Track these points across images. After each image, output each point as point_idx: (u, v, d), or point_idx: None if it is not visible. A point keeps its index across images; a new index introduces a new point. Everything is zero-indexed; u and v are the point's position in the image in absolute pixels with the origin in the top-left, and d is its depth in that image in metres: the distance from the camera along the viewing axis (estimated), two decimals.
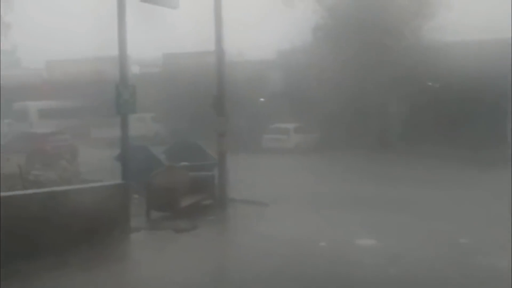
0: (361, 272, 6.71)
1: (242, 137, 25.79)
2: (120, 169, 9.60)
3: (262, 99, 30.96)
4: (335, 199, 11.78)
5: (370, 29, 23.05)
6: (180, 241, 8.47)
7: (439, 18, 22.83)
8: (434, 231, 8.71)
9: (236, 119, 25.52)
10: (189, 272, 6.87)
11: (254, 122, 26.59)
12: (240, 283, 6.58)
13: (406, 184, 13.33)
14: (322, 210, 10.58)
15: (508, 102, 20.93)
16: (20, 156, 14.49)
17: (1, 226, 7.03)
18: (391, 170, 16.59)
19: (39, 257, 7.13)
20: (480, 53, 21.17)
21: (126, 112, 9.72)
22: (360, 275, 6.62)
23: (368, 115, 24.44)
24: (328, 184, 13.98)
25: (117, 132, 10.07)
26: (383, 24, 23.32)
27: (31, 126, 26.82)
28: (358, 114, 24.34)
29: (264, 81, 28.83)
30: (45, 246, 7.50)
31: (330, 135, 24.87)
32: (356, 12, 23.33)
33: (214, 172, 11.92)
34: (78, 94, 29.64)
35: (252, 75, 27.67)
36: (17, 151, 15.99)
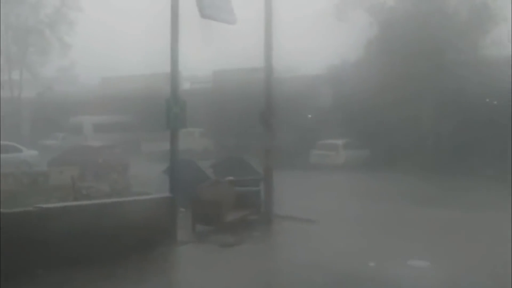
0: None
1: (290, 153, 25.78)
2: (168, 182, 9.85)
3: (309, 115, 30.88)
4: (382, 218, 11.48)
5: (427, 43, 22.51)
6: (225, 256, 8.51)
7: (498, 32, 22.03)
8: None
9: (284, 134, 25.62)
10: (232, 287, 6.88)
11: (302, 138, 26.51)
12: None
13: (454, 206, 12.76)
14: (369, 229, 10.32)
15: None
16: (73, 169, 15.13)
17: (53, 235, 7.37)
18: (439, 190, 15.96)
19: (88, 267, 7.36)
20: None
21: (176, 127, 9.96)
22: None
23: (422, 132, 23.75)
24: (377, 203, 13.66)
25: (167, 147, 10.35)
26: (440, 38, 22.73)
27: (86, 139, 28.02)
28: (411, 131, 23.70)
29: (313, 96, 28.78)
30: (94, 256, 7.71)
31: (380, 152, 24.34)
32: (412, 25, 22.84)
33: (260, 188, 11.93)
34: (130, 109, 30.84)
35: (302, 90, 27.70)
36: (71, 163, 16.69)
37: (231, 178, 12.82)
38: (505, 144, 21.16)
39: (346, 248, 8.74)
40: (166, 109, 9.77)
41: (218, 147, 28.59)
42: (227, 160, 15.79)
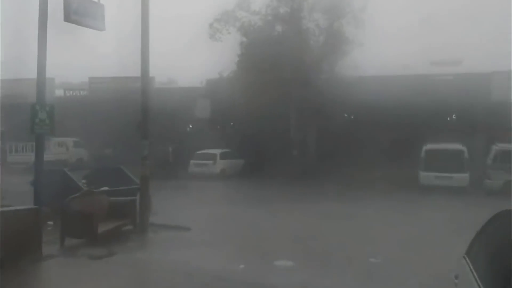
0: None
1: (170, 163, 25.29)
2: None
3: (190, 126, 30.75)
4: (254, 223, 11.68)
5: (292, 62, 23.72)
6: (92, 268, 7.81)
7: (354, 55, 24.00)
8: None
9: (165, 144, 25.07)
10: None
11: (183, 148, 26.19)
12: None
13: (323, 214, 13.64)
14: (241, 233, 10.40)
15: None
16: None
17: None
18: (309, 197, 16.92)
19: None
20: (388, 87, 22.54)
21: (41, 132, 9.03)
22: None
23: (288, 143, 24.97)
24: (249, 208, 13.94)
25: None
26: (303, 58, 24.14)
27: None
28: (280, 142, 24.79)
29: (193, 107, 28.69)
30: None
31: (254, 161, 25.06)
32: (279, 45, 23.92)
33: (136, 197, 11.37)
34: None
35: (183, 101, 27.42)
36: None
37: (105, 188, 12.07)
38: (358, 154, 23.18)
39: (218, 253, 8.65)
40: (31, 114, 8.82)
41: (94, 157, 26.91)
42: (102, 170, 14.87)
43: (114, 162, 20.82)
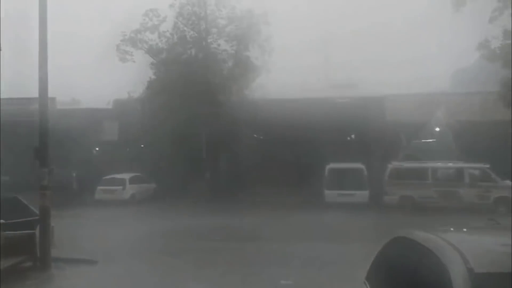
0: None
1: (74, 190, 23.61)
2: None
3: (96, 149, 29.15)
4: (167, 251, 11.23)
5: (202, 84, 23.64)
6: None
7: (263, 80, 24.58)
8: None
9: (68, 170, 23.37)
10: None
11: (88, 173, 24.60)
12: None
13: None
14: (156, 263, 9.90)
15: None
16: None
17: None
18: (226, 219, 16.85)
19: None
20: (294, 109, 23.32)
21: None
22: None
23: (201, 165, 24.70)
24: (161, 236, 13.40)
25: None
26: (213, 81, 24.20)
27: None
28: (192, 164, 24.42)
29: (100, 129, 27.26)
30: None
31: (166, 185, 24.34)
32: (188, 67, 23.78)
33: (35, 230, 10.33)
34: None
35: (88, 122, 25.93)
36: None
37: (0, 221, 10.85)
38: (268, 173, 23.58)
39: (129, 286, 8.11)
40: None
41: None
42: None
43: (11, 190, 18.94)
